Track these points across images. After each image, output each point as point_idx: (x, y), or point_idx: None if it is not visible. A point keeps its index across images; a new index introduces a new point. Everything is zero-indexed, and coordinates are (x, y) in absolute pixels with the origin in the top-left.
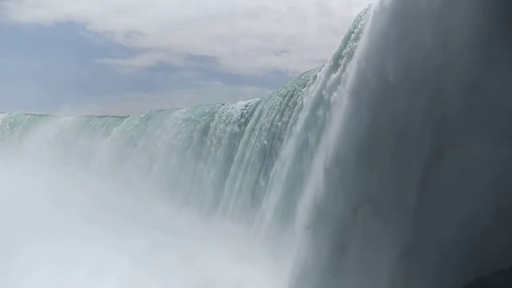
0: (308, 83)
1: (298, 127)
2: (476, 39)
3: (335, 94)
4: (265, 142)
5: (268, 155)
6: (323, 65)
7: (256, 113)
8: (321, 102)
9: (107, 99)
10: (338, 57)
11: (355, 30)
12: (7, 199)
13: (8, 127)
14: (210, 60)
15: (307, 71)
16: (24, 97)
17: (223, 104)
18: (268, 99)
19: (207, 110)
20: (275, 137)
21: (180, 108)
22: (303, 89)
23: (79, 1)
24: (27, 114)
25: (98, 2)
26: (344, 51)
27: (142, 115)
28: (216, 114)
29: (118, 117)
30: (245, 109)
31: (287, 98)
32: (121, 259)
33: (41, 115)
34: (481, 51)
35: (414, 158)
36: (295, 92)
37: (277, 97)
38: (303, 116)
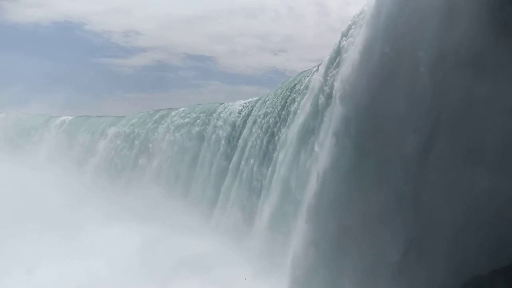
0: (306, 82)
1: (296, 126)
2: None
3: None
4: (264, 141)
5: (266, 153)
6: (320, 63)
7: (254, 112)
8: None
9: (105, 99)
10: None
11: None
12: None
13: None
14: (208, 59)
15: (305, 70)
16: (21, 97)
17: (222, 104)
18: (267, 98)
19: (206, 110)
20: (273, 135)
21: (179, 108)
22: (300, 89)
23: (77, 0)
24: (24, 114)
25: (95, 2)
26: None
27: (140, 115)
28: (214, 114)
29: (116, 116)
30: (243, 109)
31: (284, 97)
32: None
33: (39, 115)
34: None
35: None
36: (293, 92)
37: (275, 96)
38: (301, 115)
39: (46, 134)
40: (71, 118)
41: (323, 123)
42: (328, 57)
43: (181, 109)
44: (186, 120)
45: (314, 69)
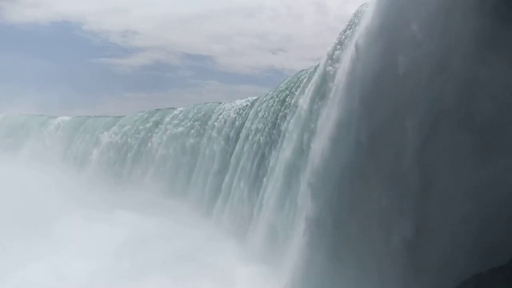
0: (304, 82)
1: (295, 126)
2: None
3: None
4: (262, 141)
5: (265, 153)
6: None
7: (253, 112)
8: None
9: (103, 99)
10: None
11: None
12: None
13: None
14: (206, 59)
15: (303, 70)
16: (20, 98)
17: (220, 103)
18: (265, 98)
19: (205, 109)
20: (272, 135)
21: (178, 107)
22: (299, 88)
23: (75, 0)
24: (23, 115)
25: (93, 2)
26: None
27: (139, 115)
28: (213, 114)
29: (115, 116)
30: (242, 108)
31: (283, 97)
32: None
33: (37, 115)
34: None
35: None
36: (291, 91)
37: (274, 96)
38: (300, 114)
39: (44, 134)
40: (69, 118)
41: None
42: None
43: (180, 108)
44: (185, 119)
45: (311, 69)
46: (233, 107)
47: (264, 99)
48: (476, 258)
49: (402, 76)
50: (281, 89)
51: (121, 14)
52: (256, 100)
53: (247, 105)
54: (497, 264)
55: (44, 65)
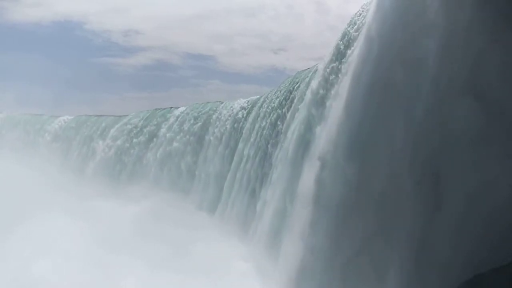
0: (306, 80)
1: (296, 125)
2: None
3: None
4: (264, 141)
5: (267, 153)
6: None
7: (254, 111)
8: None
9: (105, 98)
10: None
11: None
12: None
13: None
14: (208, 58)
15: (305, 69)
16: (22, 97)
17: (222, 103)
18: (267, 98)
19: (207, 109)
20: (274, 135)
21: (179, 107)
22: (300, 87)
23: (76, 0)
24: (25, 114)
25: (95, 1)
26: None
27: (140, 114)
28: (215, 114)
29: (116, 116)
30: (244, 108)
31: (285, 96)
32: None
33: (38, 115)
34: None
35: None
36: (293, 90)
37: (276, 95)
38: (301, 113)
39: (46, 134)
40: (70, 117)
41: None
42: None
43: (181, 108)
44: (187, 119)
45: (314, 68)
46: (233, 106)
47: (267, 97)
48: (478, 258)
49: None
50: (283, 87)
51: (123, 14)
52: (258, 99)
53: (248, 104)
54: (498, 264)
55: (46, 65)
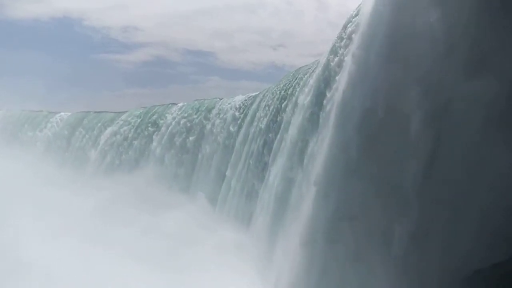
0: (306, 77)
1: (295, 124)
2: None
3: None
4: (262, 139)
5: (266, 149)
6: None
7: (253, 108)
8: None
9: (104, 95)
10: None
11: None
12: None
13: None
14: (207, 55)
15: (304, 66)
16: (20, 93)
17: (221, 99)
18: (266, 94)
19: (206, 105)
20: (272, 132)
21: (178, 103)
22: (300, 84)
23: None
24: (24, 110)
25: None
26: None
27: (139, 111)
28: (214, 110)
29: (115, 112)
30: (243, 104)
31: (283, 93)
32: None
33: (37, 111)
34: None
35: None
36: (292, 88)
37: (274, 92)
38: (300, 112)
39: (45, 130)
40: (69, 114)
41: None
42: None
43: (180, 104)
44: (186, 115)
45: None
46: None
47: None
48: (477, 254)
49: None
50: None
51: (122, 10)
52: (257, 95)
53: (247, 100)
54: (498, 260)
55: (44, 61)
